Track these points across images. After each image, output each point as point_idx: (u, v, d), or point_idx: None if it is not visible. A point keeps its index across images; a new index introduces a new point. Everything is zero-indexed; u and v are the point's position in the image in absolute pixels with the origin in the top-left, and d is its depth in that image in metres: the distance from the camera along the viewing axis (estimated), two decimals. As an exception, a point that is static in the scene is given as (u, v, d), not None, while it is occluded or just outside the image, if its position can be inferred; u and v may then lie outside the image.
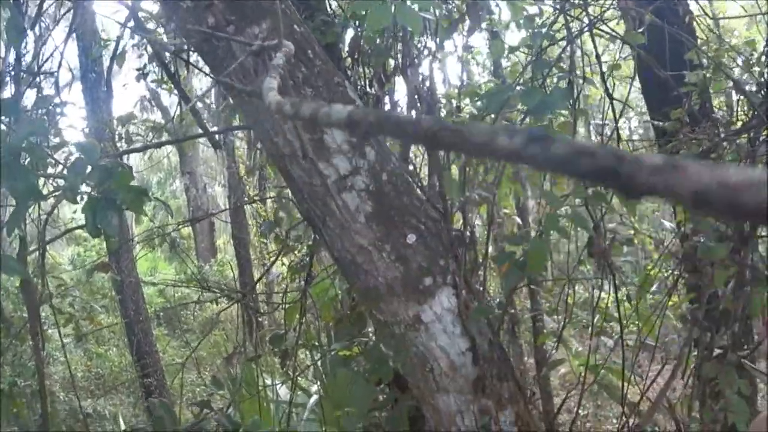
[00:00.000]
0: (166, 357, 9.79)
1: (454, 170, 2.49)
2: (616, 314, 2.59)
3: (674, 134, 2.56)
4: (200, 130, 4.20)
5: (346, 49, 3.09)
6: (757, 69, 2.74)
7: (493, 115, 2.05)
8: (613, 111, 2.45)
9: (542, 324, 5.23)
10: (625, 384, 2.33)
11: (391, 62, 3.06)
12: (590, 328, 2.57)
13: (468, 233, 2.24)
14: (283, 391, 4.62)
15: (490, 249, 2.55)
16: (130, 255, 7.42)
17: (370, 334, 3.48)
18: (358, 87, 3.09)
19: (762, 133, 2.22)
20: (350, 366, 3.44)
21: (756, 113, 2.30)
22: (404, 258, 1.80)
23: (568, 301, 2.52)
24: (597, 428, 6.23)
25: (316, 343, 3.98)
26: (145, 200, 2.08)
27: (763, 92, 2.61)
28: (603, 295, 2.79)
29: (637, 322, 2.84)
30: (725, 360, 2.30)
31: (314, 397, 4.41)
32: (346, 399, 4.02)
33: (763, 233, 2.48)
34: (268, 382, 4.40)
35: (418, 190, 1.94)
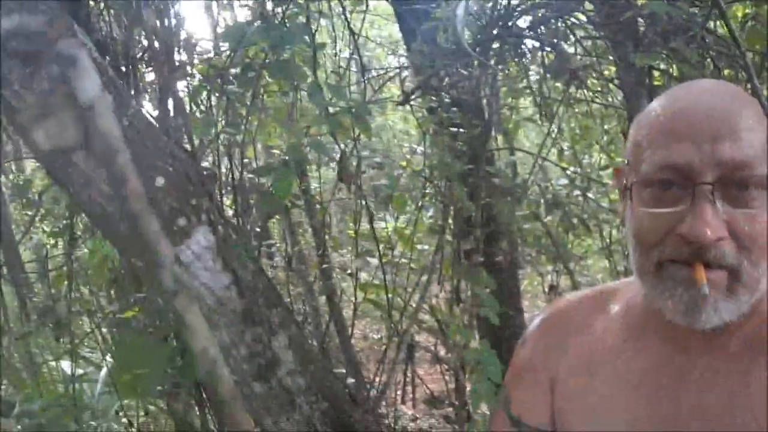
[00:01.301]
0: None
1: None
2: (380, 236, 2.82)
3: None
4: None
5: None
6: None
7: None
8: (356, 44, 2.59)
9: (329, 259, 5.45)
10: (390, 296, 2.56)
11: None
12: (356, 251, 2.77)
13: (220, 171, 2.26)
14: (68, 366, 4.32)
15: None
16: None
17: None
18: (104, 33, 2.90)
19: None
20: (131, 326, 3.31)
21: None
22: (155, 201, 1.79)
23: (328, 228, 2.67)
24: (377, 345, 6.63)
25: (93, 309, 3.77)
26: None
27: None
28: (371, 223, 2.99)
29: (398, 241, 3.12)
30: (470, 262, 2.62)
31: (104, 369, 4.20)
32: (137, 362, 3.88)
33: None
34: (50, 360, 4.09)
35: (161, 131, 1.91)
